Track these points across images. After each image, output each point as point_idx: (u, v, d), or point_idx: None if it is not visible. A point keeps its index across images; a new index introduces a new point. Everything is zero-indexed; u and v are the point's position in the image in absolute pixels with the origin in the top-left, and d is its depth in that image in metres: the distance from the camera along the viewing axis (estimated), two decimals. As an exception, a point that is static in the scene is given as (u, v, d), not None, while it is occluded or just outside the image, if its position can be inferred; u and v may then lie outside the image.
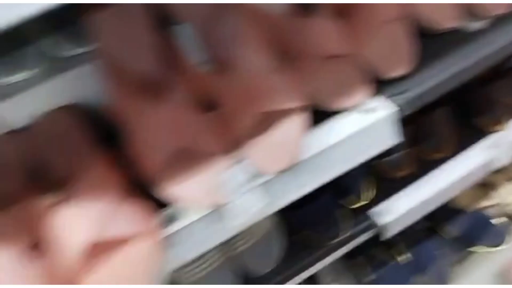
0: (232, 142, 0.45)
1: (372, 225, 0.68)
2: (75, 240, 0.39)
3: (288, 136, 0.45)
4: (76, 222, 0.40)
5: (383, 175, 0.73)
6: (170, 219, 0.44)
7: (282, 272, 0.70)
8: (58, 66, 0.52)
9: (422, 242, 0.83)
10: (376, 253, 0.85)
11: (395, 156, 0.72)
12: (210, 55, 0.49)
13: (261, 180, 0.46)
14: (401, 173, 0.72)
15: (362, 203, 0.71)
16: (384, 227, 0.68)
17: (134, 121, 0.42)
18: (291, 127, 0.46)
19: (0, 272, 0.40)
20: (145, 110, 0.42)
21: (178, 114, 0.42)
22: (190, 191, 0.44)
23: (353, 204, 0.71)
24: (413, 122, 0.72)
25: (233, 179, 0.44)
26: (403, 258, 0.83)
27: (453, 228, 0.85)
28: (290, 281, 0.70)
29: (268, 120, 0.45)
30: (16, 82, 0.51)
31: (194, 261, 0.65)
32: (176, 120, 0.42)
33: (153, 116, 0.42)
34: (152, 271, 0.42)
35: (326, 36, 0.51)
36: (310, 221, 0.70)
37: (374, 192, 0.71)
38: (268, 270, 0.70)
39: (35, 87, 0.50)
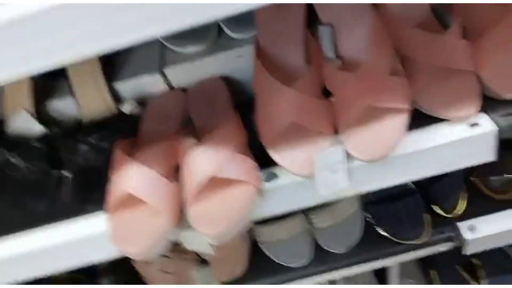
0: (337, 126, 0.52)
1: (454, 237, 0.70)
2: (199, 172, 0.51)
3: (388, 132, 0.50)
4: (202, 159, 0.51)
5: (482, 193, 0.73)
6: (271, 176, 0.54)
7: (354, 256, 0.75)
8: (222, 45, 0.62)
9: (505, 271, 0.80)
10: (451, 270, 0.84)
11: (499, 178, 0.71)
12: (341, 52, 0.56)
13: (351, 164, 0.51)
14: (500, 196, 0.72)
15: (452, 214, 0.72)
16: (467, 242, 0.69)
17: (266, 95, 0.52)
18: (392, 125, 0.50)
19: (144, 183, 0.52)
20: (276, 89, 0.51)
21: (300, 97, 0.50)
22: (290, 159, 0.52)
23: (443, 213, 0.73)
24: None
25: (328, 157, 0.50)
26: (482, 282, 0.81)
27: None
28: (358, 266, 0.75)
29: (374, 114, 0.50)
30: (188, 53, 0.62)
31: (279, 221, 0.75)
32: (297, 101, 0.50)
33: (280, 94, 0.51)
34: (246, 213, 0.51)
35: (457, 51, 0.52)
36: (396, 216, 0.73)
37: (467, 207, 0.72)
38: (342, 251, 0.75)
39: (200, 59, 0.62)
